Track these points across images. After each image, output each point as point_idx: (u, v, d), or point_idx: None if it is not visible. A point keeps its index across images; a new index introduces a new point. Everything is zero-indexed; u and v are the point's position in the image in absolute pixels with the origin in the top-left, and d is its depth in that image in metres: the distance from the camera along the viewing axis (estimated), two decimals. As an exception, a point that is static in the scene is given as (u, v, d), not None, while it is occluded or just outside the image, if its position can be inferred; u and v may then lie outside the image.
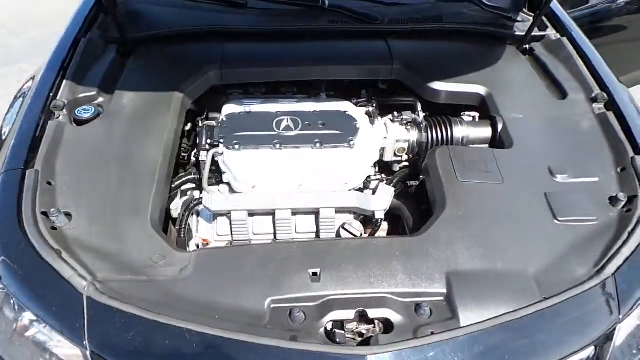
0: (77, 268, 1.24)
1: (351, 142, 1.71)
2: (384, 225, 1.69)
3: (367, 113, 1.89)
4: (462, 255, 1.30)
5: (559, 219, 1.40)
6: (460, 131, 1.80)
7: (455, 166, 1.55)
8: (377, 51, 2.03)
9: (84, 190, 1.49)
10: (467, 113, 1.89)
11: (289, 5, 2.12)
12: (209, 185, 1.66)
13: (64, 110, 1.71)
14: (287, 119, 1.79)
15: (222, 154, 1.70)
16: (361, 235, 1.58)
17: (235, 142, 1.69)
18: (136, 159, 1.58)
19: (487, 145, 1.78)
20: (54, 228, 1.36)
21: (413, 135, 1.83)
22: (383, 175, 1.84)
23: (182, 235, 1.57)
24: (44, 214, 1.37)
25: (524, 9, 2.19)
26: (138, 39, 2.02)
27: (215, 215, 1.61)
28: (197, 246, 1.60)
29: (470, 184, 1.50)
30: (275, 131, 1.74)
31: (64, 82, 1.80)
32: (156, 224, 1.41)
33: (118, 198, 1.46)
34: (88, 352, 1.15)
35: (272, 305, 1.20)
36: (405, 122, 1.86)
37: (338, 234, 1.59)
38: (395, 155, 1.85)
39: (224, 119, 1.81)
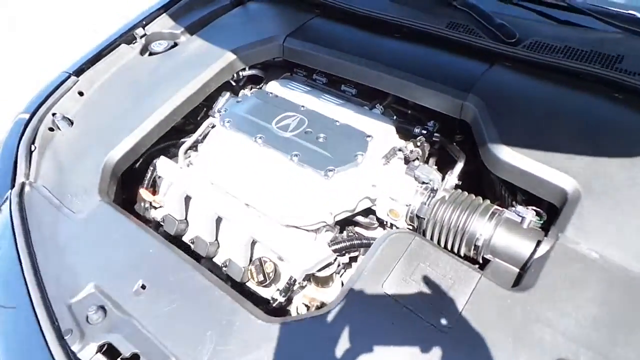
0: None
1: (329, 173, 1.32)
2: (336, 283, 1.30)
3: (408, 154, 1.41)
4: None
5: None
6: (486, 228, 1.17)
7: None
8: (461, 75, 1.46)
9: (98, 105, 1.65)
10: (521, 207, 1.20)
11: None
12: (189, 151, 1.58)
13: (143, 40, 1.87)
14: (295, 117, 1.51)
15: (214, 126, 1.58)
16: (265, 280, 1.25)
17: (228, 119, 1.54)
18: (147, 101, 1.61)
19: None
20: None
21: (416, 201, 1.29)
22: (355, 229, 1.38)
23: (146, 187, 1.57)
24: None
25: None
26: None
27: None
28: (150, 204, 1.57)
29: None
30: (270, 125, 1.50)
31: (162, 15, 1.95)
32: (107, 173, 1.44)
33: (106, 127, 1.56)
34: None
35: None
36: (417, 177, 1.31)
37: (256, 263, 1.30)
38: (387, 215, 1.35)
39: (245, 94, 1.65)
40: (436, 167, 1.51)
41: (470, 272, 1.04)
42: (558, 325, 0.93)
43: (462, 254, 1.23)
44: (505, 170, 1.23)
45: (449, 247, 1.24)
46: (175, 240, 1.48)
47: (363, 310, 1.00)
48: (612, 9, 1.47)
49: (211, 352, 1.00)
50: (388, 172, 1.35)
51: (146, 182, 1.56)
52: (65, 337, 1.05)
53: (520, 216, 1.17)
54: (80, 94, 1.70)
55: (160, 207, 1.56)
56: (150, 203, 1.57)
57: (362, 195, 1.32)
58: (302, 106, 1.57)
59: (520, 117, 1.33)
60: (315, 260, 1.21)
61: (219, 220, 1.38)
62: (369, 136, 1.42)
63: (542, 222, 1.22)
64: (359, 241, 1.25)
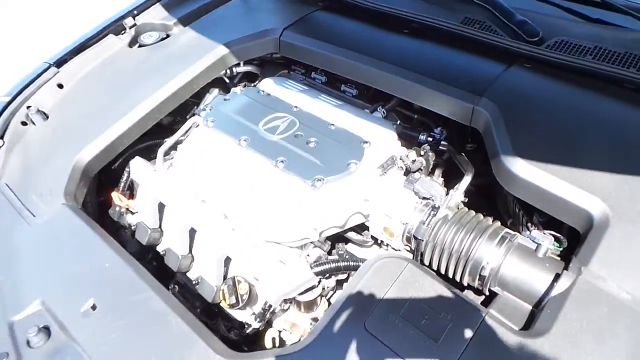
0: None
1: (317, 183, 1.16)
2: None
3: (409, 165, 1.24)
4: None
5: None
6: (494, 254, 0.99)
7: None
8: (474, 76, 1.28)
9: (77, 99, 1.53)
10: (537, 232, 1.01)
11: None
12: (170, 152, 1.44)
13: (132, 30, 1.74)
14: (286, 119, 1.35)
15: (197, 125, 1.43)
16: (237, 302, 1.09)
17: (212, 118, 1.39)
18: (129, 97, 1.48)
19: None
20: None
21: (414, 219, 1.11)
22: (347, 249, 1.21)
23: (122, 190, 1.43)
24: None
25: None
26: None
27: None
28: (127, 209, 1.43)
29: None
30: (256, 126, 1.34)
31: (155, 4, 1.82)
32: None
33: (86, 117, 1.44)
34: None
35: None
36: (417, 192, 1.14)
37: (229, 283, 1.14)
38: (381, 233, 1.17)
39: (235, 92, 1.51)
40: (443, 180, 1.33)
41: (472, 310, 0.87)
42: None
43: (465, 283, 1.05)
44: (519, 187, 1.05)
45: (450, 275, 1.06)
46: (150, 250, 1.34)
47: (338, 353, 0.83)
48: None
49: None
50: (384, 184, 1.18)
51: (122, 184, 1.42)
52: None
53: (536, 242, 0.98)
54: (60, 86, 1.57)
55: (137, 212, 1.41)
56: (127, 208, 1.42)
57: (354, 209, 1.15)
58: (295, 107, 1.41)
59: (540, 126, 1.14)
60: (294, 283, 1.05)
61: (193, 232, 1.23)
62: (365, 142, 1.26)
63: (561, 249, 1.03)
64: (345, 263, 1.08)
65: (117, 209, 1.42)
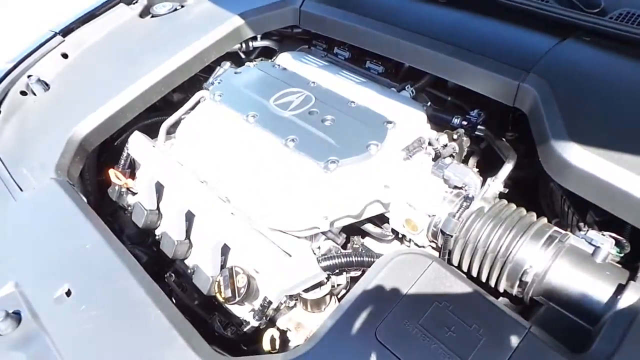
0: None
1: (331, 165, 1.01)
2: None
3: (440, 150, 1.07)
4: None
5: None
6: (539, 257, 0.81)
7: None
8: (522, 50, 1.10)
9: (81, 70, 1.43)
10: (594, 232, 0.83)
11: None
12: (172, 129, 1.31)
13: (145, 0, 1.63)
14: (300, 94, 1.21)
15: (204, 99, 1.30)
16: (233, 296, 0.95)
17: (220, 92, 1.25)
18: (135, 69, 1.37)
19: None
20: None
21: (443, 211, 0.94)
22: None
23: (122, 168, 1.32)
24: None
25: None
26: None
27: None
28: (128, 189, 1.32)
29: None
30: (267, 101, 1.20)
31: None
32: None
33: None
34: None
35: None
36: (447, 179, 0.97)
37: (225, 274, 1.00)
38: (403, 226, 1.01)
39: (248, 65, 1.37)
40: (478, 170, 1.15)
41: (512, 324, 0.70)
42: None
43: (501, 289, 0.88)
44: (573, 178, 0.87)
45: (484, 279, 0.89)
46: (150, 234, 1.22)
47: (339, 363, 0.68)
48: None
49: None
50: (408, 169, 1.01)
51: (122, 162, 1.31)
52: None
53: (593, 245, 0.80)
54: (65, 56, 1.47)
55: (138, 193, 1.30)
56: (128, 187, 1.31)
57: (372, 197, 0.99)
58: (313, 82, 1.26)
59: (600, 107, 0.96)
60: (297, 278, 0.90)
61: (190, 215, 1.10)
62: (389, 122, 1.10)
63: (621, 255, 0.84)
64: (358, 258, 0.92)
65: (117, 188, 1.30)
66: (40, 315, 0.86)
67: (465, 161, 1.17)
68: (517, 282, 0.82)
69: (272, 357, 0.75)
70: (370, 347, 0.69)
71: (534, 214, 0.90)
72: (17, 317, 0.87)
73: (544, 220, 0.89)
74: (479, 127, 1.15)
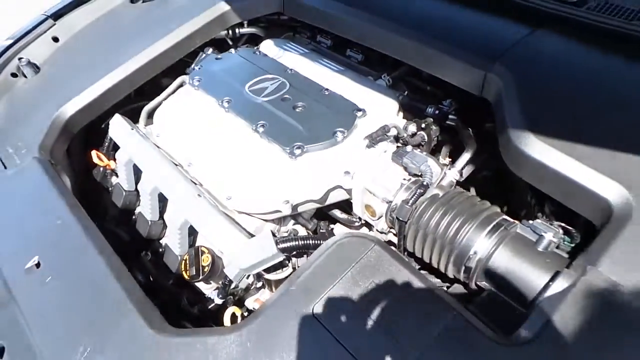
0: None
1: (297, 150, 1.04)
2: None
3: (407, 138, 1.08)
4: None
5: None
6: (483, 244, 0.83)
7: None
8: (492, 40, 1.10)
9: (71, 53, 1.48)
10: (540, 221, 0.85)
11: None
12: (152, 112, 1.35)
13: (134, -17, 1.66)
14: (276, 81, 1.23)
15: (185, 84, 1.34)
16: (197, 274, 0.99)
17: (199, 78, 1.29)
18: (122, 53, 1.40)
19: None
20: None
21: (399, 197, 0.96)
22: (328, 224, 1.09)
23: (106, 150, 1.37)
24: None
25: None
26: None
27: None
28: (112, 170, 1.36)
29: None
30: (243, 87, 1.23)
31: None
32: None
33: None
34: None
35: None
36: (406, 167, 0.99)
37: (191, 253, 1.04)
38: (363, 212, 1.03)
39: (230, 52, 1.40)
40: (450, 160, 1.17)
41: (442, 305, 0.72)
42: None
43: (450, 275, 0.90)
44: (528, 168, 0.88)
45: (435, 264, 0.91)
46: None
47: (277, 336, 0.72)
48: None
49: (84, 358, 0.77)
50: (370, 157, 1.03)
51: (106, 144, 1.35)
52: None
53: (537, 233, 0.82)
54: (55, 39, 1.52)
55: (120, 174, 1.34)
56: (112, 169, 1.36)
57: (334, 183, 1.02)
58: (291, 69, 1.29)
59: (562, 99, 0.96)
60: (255, 258, 0.93)
61: (163, 197, 1.14)
62: (359, 110, 1.12)
63: (572, 245, 0.86)
64: (314, 241, 0.95)
65: (101, 169, 1.35)
66: (10, 285, 0.91)
67: (437, 150, 1.19)
68: (463, 268, 0.85)
69: (216, 330, 0.79)
70: (307, 323, 0.72)
71: (487, 202, 0.92)
72: (-11, 286, 0.93)
73: (496, 208, 0.90)
74: (450, 116, 1.16)
